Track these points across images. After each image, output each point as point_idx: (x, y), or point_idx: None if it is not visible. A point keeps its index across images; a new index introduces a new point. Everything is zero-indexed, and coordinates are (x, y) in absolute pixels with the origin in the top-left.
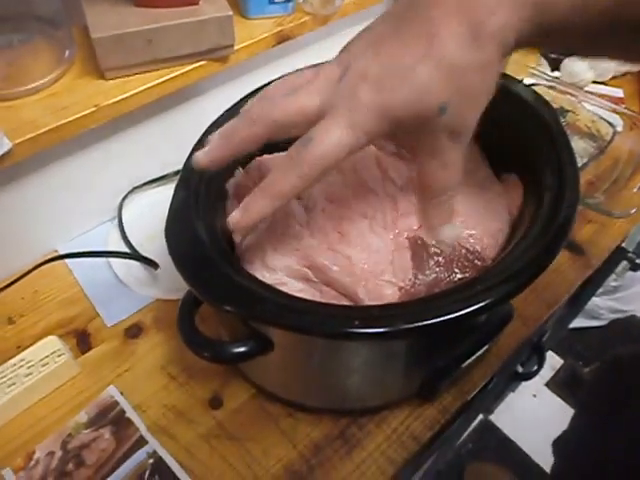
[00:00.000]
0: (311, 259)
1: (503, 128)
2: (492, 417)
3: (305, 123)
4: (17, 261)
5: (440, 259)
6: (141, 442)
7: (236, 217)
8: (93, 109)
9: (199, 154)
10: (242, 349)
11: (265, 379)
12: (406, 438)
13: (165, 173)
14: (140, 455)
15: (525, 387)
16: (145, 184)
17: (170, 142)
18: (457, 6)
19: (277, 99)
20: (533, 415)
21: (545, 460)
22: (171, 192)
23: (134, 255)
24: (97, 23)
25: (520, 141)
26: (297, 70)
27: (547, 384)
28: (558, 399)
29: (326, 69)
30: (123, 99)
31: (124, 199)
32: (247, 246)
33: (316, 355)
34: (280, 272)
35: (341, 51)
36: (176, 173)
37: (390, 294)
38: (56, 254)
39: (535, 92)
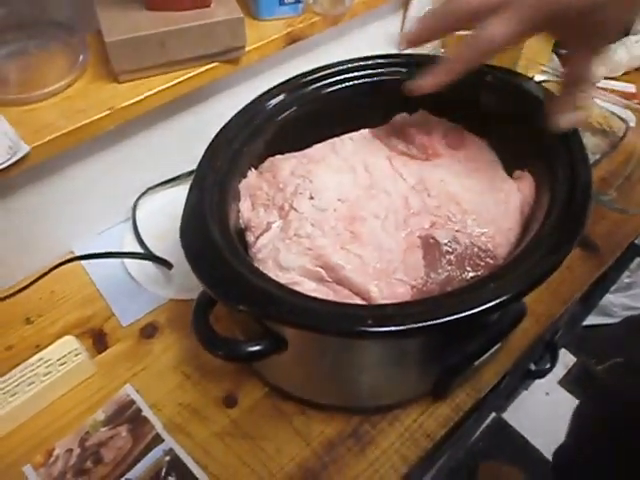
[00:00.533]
0: (324, 259)
1: (514, 126)
2: (505, 415)
3: (485, 15)
4: (34, 262)
5: (452, 257)
6: (157, 440)
7: (419, 81)
8: (108, 112)
9: (403, 35)
10: (256, 348)
11: (279, 378)
12: (419, 436)
13: (178, 174)
14: (156, 453)
15: (538, 385)
16: (158, 185)
17: (183, 143)
18: None
19: None
20: (546, 413)
21: None
22: (184, 192)
23: (148, 255)
24: (110, 27)
25: (531, 139)
26: None
27: (560, 382)
28: (571, 397)
29: None
30: (137, 101)
31: (138, 200)
32: (260, 246)
33: (330, 354)
34: (293, 272)
35: None
36: (189, 174)
37: (402, 292)
38: (72, 255)
39: (546, 89)
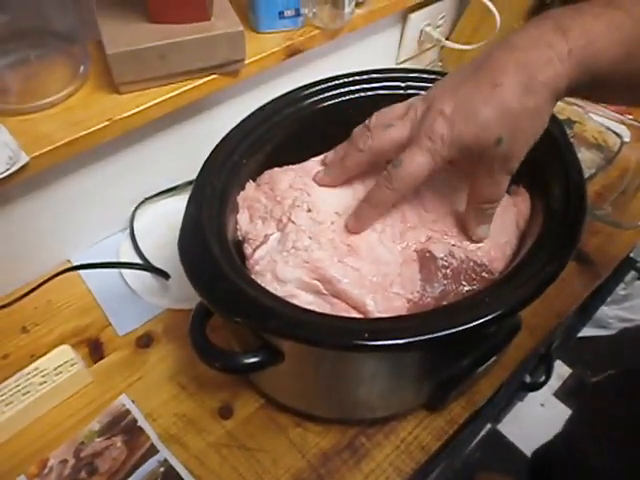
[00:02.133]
0: (321, 271)
1: None
2: (500, 426)
3: (398, 150)
4: (32, 271)
5: (448, 272)
6: (152, 451)
7: (352, 224)
8: (107, 123)
9: (320, 175)
10: (253, 360)
11: (275, 389)
12: (414, 449)
13: (176, 184)
14: (151, 464)
15: (533, 396)
16: (157, 195)
17: (182, 154)
18: (514, 65)
19: (377, 132)
20: (541, 424)
21: None
22: (182, 203)
23: (145, 266)
24: (112, 39)
25: (527, 154)
26: (391, 106)
27: (555, 393)
28: (566, 408)
29: (415, 106)
30: (136, 113)
31: (136, 210)
32: (258, 258)
33: (326, 366)
34: (290, 284)
35: (428, 91)
36: (187, 184)
37: (399, 306)
38: (69, 265)
39: None
